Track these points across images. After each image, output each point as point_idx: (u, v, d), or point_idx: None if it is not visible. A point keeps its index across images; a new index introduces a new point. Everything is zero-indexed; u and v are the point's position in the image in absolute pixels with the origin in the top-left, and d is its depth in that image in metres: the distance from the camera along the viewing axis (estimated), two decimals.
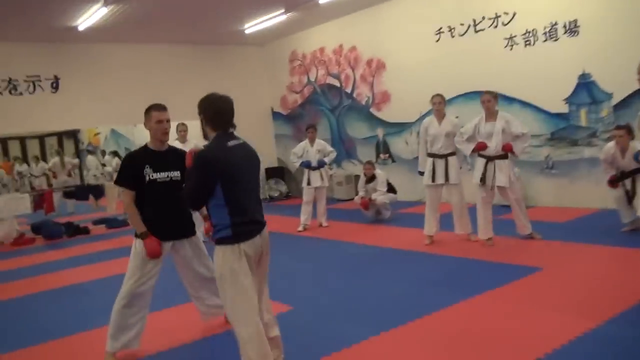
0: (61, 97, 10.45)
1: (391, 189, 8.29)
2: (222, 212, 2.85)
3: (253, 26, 10.73)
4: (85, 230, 10.05)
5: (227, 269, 2.83)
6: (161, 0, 8.50)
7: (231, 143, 2.91)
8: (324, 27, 11.35)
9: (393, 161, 10.36)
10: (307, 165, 8.21)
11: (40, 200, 10.12)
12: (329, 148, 8.44)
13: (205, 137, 3.01)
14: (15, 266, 7.61)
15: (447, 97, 6.73)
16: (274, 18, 10.22)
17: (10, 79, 9.96)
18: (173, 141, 6.24)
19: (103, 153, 18.79)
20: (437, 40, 9.25)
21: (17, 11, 8.25)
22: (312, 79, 11.87)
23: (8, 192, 16.93)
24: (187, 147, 7.86)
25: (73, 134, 24.33)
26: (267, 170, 12.74)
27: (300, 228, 8.17)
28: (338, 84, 11.26)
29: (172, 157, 3.76)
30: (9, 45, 9.91)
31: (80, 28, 9.25)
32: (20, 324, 4.85)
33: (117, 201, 11.09)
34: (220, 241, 2.88)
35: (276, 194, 12.42)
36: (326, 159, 8.31)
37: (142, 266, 3.63)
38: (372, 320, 4.06)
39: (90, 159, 17.94)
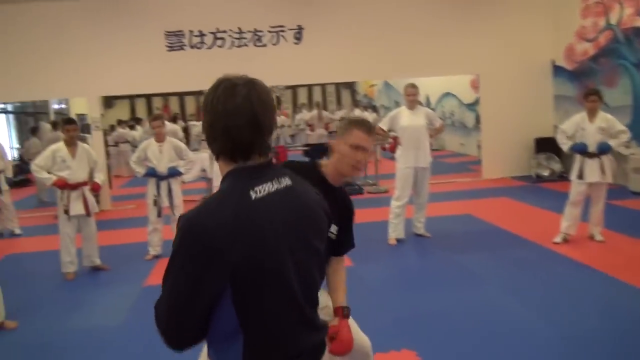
0: (304, 49, 9.63)
1: None
2: (230, 346, 1.31)
3: None
4: None
5: None
6: None
7: (260, 189, 1.32)
8: None
9: None
10: (580, 149, 5.65)
11: (277, 157, 9.65)
12: (619, 126, 5.63)
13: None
14: None
15: None
16: None
17: (255, 30, 9.52)
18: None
19: (373, 107, 18.16)
20: None
21: None
22: (613, 22, 8.59)
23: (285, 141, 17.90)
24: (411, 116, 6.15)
25: (349, 85, 24.67)
26: (538, 141, 10.07)
27: (557, 239, 5.74)
28: None
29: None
30: None
31: None
32: None
33: None
34: None
35: (546, 173, 9.71)
36: (612, 142, 5.58)
37: None
38: None
39: (356, 113, 17.30)
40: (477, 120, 12.72)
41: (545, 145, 9.91)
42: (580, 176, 5.64)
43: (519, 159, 10.24)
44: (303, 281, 1.35)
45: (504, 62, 10.04)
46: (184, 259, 1.23)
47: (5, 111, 15.07)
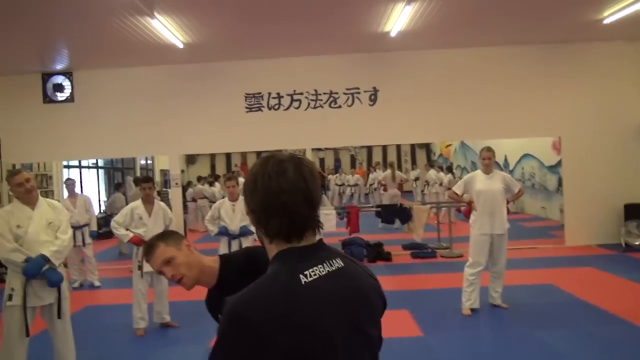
0: (379, 110, 9.70)
1: None
2: None
3: (615, 13, 7.79)
4: (386, 257, 9.10)
5: None
6: None
7: (310, 273, 1.26)
8: None
9: None
10: None
11: (348, 217, 9.58)
12: None
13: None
14: None
15: None
16: None
17: (331, 92, 9.74)
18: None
19: (449, 168, 17.80)
20: None
21: (331, 24, 7.82)
22: None
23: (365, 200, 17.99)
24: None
25: (425, 145, 24.50)
26: (628, 207, 9.41)
27: None
28: None
29: None
30: (331, 58, 9.68)
31: (392, 34, 8.20)
32: None
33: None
34: None
35: (637, 242, 9.01)
36: None
37: None
38: None
39: (431, 173, 16.95)
40: (560, 182, 12.16)
41: (636, 212, 9.25)
42: None
43: (606, 225, 9.59)
44: None
45: (588, 124, 9.61)
46: (228, 346, 1.18)
47: (96, 166, 16.11)
